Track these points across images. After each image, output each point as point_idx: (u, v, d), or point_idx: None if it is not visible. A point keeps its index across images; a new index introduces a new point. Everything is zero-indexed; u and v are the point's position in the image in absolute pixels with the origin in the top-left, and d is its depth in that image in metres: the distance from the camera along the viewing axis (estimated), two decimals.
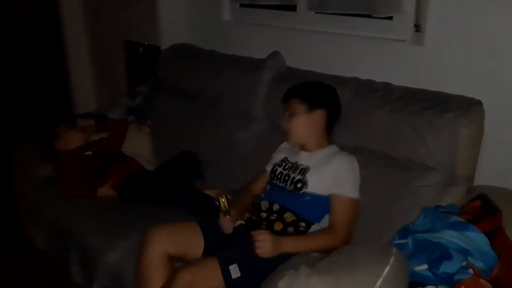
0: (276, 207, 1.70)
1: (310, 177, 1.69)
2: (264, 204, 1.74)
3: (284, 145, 1.93)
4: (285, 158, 1.84)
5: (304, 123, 1.75)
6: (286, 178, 1.75)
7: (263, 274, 1.45)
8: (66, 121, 2.51)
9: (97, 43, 3.63)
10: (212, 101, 2.38)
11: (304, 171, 1.72)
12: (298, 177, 1.71)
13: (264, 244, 1.48)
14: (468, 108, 1.60)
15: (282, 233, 1.64)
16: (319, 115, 1.75)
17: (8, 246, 2.62)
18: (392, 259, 1.14)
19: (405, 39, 1.90)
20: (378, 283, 1.09)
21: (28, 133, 2.65)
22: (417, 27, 1.83)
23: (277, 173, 1.80)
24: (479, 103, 1.64)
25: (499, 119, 1.69)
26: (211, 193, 2.08)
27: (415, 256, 1.34)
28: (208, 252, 1.63)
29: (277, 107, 2.11)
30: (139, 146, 2.56)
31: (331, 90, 1.83)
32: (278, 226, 1.67)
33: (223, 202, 1.70)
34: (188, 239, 1.66)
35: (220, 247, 1.61)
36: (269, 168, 1.90)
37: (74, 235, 2.00)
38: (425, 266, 1.29)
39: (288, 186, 1.73)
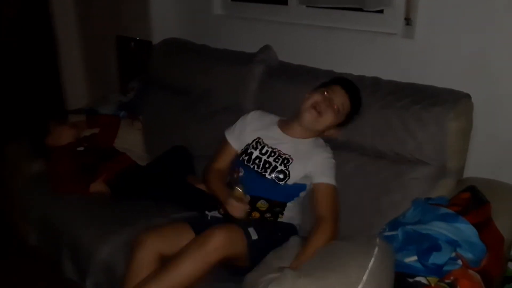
0: (247, 198, 1.65)
1: (292, 170, 1.67)
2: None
3: (253, 115, 1.86)
4: (259, 138, 1.76)
5: (335, 122, 1.71)
6: (267, 165, 1.69)
7: (273, 239, 1.58)
8: (57, 117, 2.50)
9: (89, 39, 3.60)
10: (204, 96, 2.38)
11: (287, 161, 1.68)
12: (281, 167, 1.67)
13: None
14: (456, 101, 1.61)
15: (261, 219, 1.67)
16: (337, 132, 1.77)
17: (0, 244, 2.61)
18: (376, 251, 1.15)
19: (395, 32, 1.90)
20: (365, 277, 1.10)
21: (19, 130, 2.64)
22: (408, 21, 1.84)
23: (253, 156, 1.73)
24: (467, 96, 1.65)
25: (489, 112, 1.71)
26: (203, 187, 2.08)
27: (404, 247, 1.36)
28: None
29: (268, 101, 2.12)
30: (131, 141, 2.55)
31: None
32: (256, 215, 1.68)
33: (239, 191, 1.65)
34: (180, 238, 1.62)
35: None
36: (234, 144, 1.83)
37: (65, 232, 2.00)
38: (415, 258, 1.30)
39: (268, 174, 1.68)
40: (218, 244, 1.42)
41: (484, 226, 1.38)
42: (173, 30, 2.82)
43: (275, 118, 1.87)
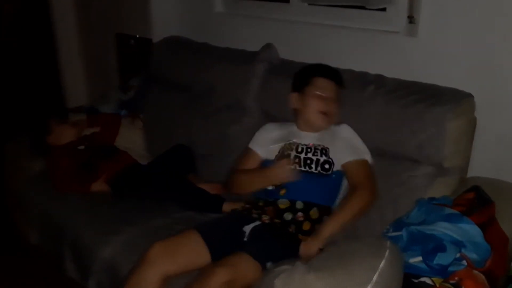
0: (299, 204, 1.64)
1: (333, 157, 1.69)
2: (283, 203, 1.66)
3: (272, 127, 1.87)
4: (289, 141, 1.76)
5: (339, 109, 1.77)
6: (308, 161, 1.69)
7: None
8: (58, 116, 2.49)
9: (88, 36, 3.59)
10: (205, 94, 2.37)
11: (325, 151, 1.70)
12: (324, 158, 1.69)
13: (312, 254, 1.47)
14: (457, 101, 1.61)
15: (310, 232, 1.61)
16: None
17: (1, 242, 2.60)
18: (387, 253, 1.15)
19: (398, 30, 1.90)
20: (375, 278, 1.09)
21: (19, 128, 2.62)
22: (411, 19, 1.83)
23: (291, 157, 1.71)
24: (469, 95, 1.64)
25: (494, 111, 1.70)
26: (205, 187, 2.07)
27: (409, 248, 1.35)
28: (216, 254, 1.55)
29: (271, 99, 2.11)
30: (132, 140, 2.54)
31: None
32: (307, 227, 1.63)
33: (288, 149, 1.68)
34: (191, 254, 1.56)
35: (228, 252, 1.52)
36: (260, 152, 1.82)
37: (67, 231, 1.99)
38: (419, 258, 1.30)
39: (314, 169, 1.68)
40: (220, 283, 1.33)
41: (489, 226, 1.38)
42: (173, 28, 2.81)
43: (289, 123, 1.87)
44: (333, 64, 1.98)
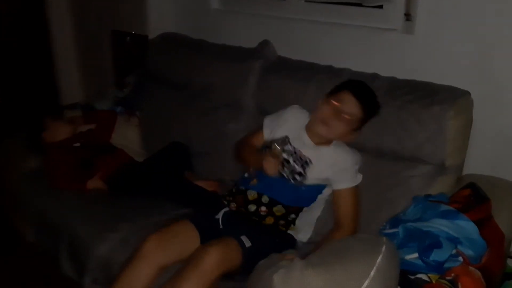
0: (265, 199, 1.68)
1: (310, 172, 1.66)
2: (252, 194, 1.70)
3: (292, 111, 1.81)
4: (287, 137, 1.73)
5: (347, 131, 1.66)
6: (285, 163, 1.67)
7: (268, 244, 1.56)
8: (53, 113, 2.48)
9: (84, 33, 3.56)
10: (202, 92, 2.36)
11: (306, 164, 1.67)
12: (299, 169, 1.66)
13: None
14: (455, 99, 1.61)
15: (274, 226, 1.67)
16: (355, 135, 1.71)
17: None
18: (383, 248, 1.15)
19: (395, 28, 1.90)
20: (372, 273, 1.10)
21: (14, 126, 2.61)
22: (408, 16, 1.83)
23: (280, 155, 1.70)
24: (467, 93, 1.64)
25: (489, 109, 1.70)
26: (201, 184, 2.07)
27: (405, 245, 1.35)
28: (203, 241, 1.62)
29: (268, 97, 2.11)
30: (128, 137, 2.53)
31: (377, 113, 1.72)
32: (270, 221, 1.68)
33: (277, 149, 1.66)
34: (184, 244, 1.60)
35: (214, 236, 1.60)
36: (267, 133, 1.82)
37: (63, 228, 1.98)
38: (416, 255, 1.30)
39: (285, 174, 1.67)
40: (213, 262, 1.41)
41: (485, 223, 1.38)
42: (169, 25, 2.79)
43: (307, 120, 1.79)
44: (330, 61, 2.01)
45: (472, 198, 1.44)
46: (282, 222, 1.68)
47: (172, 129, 2.42)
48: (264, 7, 2.42)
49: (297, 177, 1.66)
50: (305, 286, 1.13)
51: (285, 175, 1.67)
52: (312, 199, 1.72)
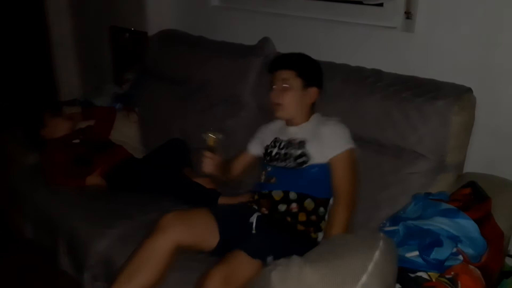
0: (293, 195, 1.65)
1: (310, 149, 1.67)
2: (277, 194, 1.67)
3: (268, 125, 1.89)
4: (276, 138, 1.79)
5: (298, 98, 1.71)
6: (286, 156, 1.70)
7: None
8: (52, 109, 2.47)
9: (83, 29, 3.56)
10: (201, 88, 2.36)
11: (301, 144, 1.69)
12: (298, 152, 1.67)
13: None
14: (459, 95, 1.61)
15: (307, 223, 1.63)
16: (312, 93, 1.74)
17: None
18: (381, 244, 1.15)
19: (395, 26, 1.90)
20: (370, 268, 1.10)
21: (13, 122, 2.59)
22: (408, 14, 1.83)
23: (273, 154, 1.75)
24: (469, 90, 1.64)
25: (489, 106, 1.70)
26: (200, 181, 2.07)
27: (406, 242, 1.36)
28: (224, 241, 1.59)
29: (267, 93, 2.09)
30: (127, 134, 2.53)
31: (320, 67, 1.81)
32: (302, 218, 1.64)
33: (212, 137, 1.68)
34: (203, 229, 1.58)
35: (237, 236, 1.57)
36: (254, 149, 1.88)
37: (61, 224, 1.98)
38: (416, 253, 1.30)
39: (291, 163, 1.68)
40: (217, 285, 1.33)
41: (485, 222, 1.39)
42: (169, 21, 2.79)
43: (279, 121, 1.86)
44: (330, 58, 1.99)
45: (472, 197, 1.45)
46: (313, 217, 1.64)
47: (171, 126, 2.41)
48: (263, 4, 2.41)
49: (300, 160, 1.66)
50: (304, 282, 1.13)
51: (292, 165, 1.67)
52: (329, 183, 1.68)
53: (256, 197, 1.73)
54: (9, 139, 2.50)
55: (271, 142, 1.80)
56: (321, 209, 1.66)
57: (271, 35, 2.26)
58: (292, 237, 1.60)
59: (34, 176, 2.25)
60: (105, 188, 2.15)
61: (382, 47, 1.96)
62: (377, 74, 1.84)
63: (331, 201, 1.68)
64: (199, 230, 1.57)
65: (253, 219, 1.65)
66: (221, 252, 1.51)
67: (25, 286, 2.22)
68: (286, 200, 1.66)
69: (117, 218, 1.87)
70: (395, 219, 1.48)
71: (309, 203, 1.65)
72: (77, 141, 2.32)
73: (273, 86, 1.74)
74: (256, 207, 1.71)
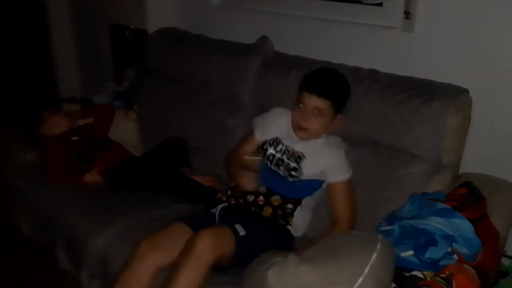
0: (263, 189, 1.70)
1: (304, 167, 1.68)
2: None
3: (279, 112, 1.82)
4: (277, 138, 1.77)
5: (325, 125, 1.69)
6: (280, 162, 1.71)
7: (263, 235, 1.59)
8: (51, 106, 2.47)
9: (82, 27, 3.55)
10: (200, 86, 2.36)
11: (299, 158, 1.69)
12: (293, 165, 1.68)
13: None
14: (455, 96, 1.61)
15: (272, 218, 1.68)
16: (339, 120, 1.72)
17: None
18: (378, 246, 1.16)
19: (395, 26, 1.90)
20: (366, 270, 1.10)
21: (12, 119, 2.60)
22: (407, 14, 1.83)
23: (267, 153, 1.75)
24: (466, 91, 1.65)
25: (487, 107, 1.71)
26: (199, 179, 2.07)
27: (401, 242, 1.36)
28: None
29: (266, 92, 2.11)
30: (126, 132, 2.53)
31: (350, 91, 1.74)
32: (267, 211, 1.69)
33: (255, 160, 1.72)
34: (179, 242, 1.55)
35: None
36: (258, 135, 1.83)
37: (59, 222, 1.98)
38: (411, 252, 1.31)
39: (281, 171, 1.70)
40: (206, 245, 1.42)
41: (480, 221, 1.39)
42: (168, 19, 2.78)
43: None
44: (329, 58, 2.00)
45: (469, 197, 1.45)
46: (279, 212, 1.68)
47: (170, 124, 2.41)
48: (263, 3, 2.41)
49: (293, 173, 1.68)
50: (299, 282, 1.13)
51: (281, 173, 1.70)
52: (310, 192, 1.72)
53: (233, 184, 1.78)
54: (8, 137, 2.50)
55: (270, 140, 1.78)
56: (289, 205, 1.69)
57: (271, 34, 2.26)
58: (254, 216, 1.69)
59: (32, 173, 2.25)
60: (104, 186, 2.15)
61: (381, 47, 1.97)
62: (374, 74, 1.85)
63: (303, 201, 1.71)
64: (175, 245, 1.55)
65: (216, 210, 1.73)
66: None
67: (23, 284, 2.22)
68: (256, 192, 1.71)
69: (115, 216, 1.87)
70: (391, 219, 1.48)
71: (276, 199, 1.69)
72: (75, 138, 2.32)
73: (301, 105, 1.66)
74: (224, 198, 1.77)
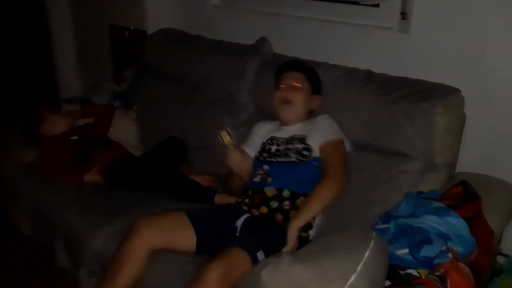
0: (286, 193, 1.66)
1: (311, 143, 1.72)
2: (270, 191, 1.67)
3: (260, 125, 1.94)
4: (273, 136, 1.83)
5: (306, 100, 1.81)
6: (287, 151, 1.73)
7: None
8: (51, 106, 2.48)
9: (83, 27, 3.55)
10: (199, 87, 2.37)
11: (303, 139, 1.74)
12: (302, 145, 1.72)
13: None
14: (445, 96, 1.62)
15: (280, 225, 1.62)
16: (316, 100, 1.84)
17: None
18: (371, 244, 1.17)
19: (391, 26, 1.91)
20: (359, 268, 1.11)
21: (12, 118, 2.61)
22: (404, 15, 1.84)
23: (273, 151, 1.77)
24: (457, 90, 1.66)
25: (483, 106, 1.71)
26: (197, 179, 2.08)
27: (396, 240, 1.37)
28: (202, 243, 1.60)
29: (264, 93, 2.12)
30: (125, 131, 2.54)
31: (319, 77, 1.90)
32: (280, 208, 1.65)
33: (225, 136, 1.71)
34: (176, 232, 1.60)
35: (216, 237, 1.60)
36: (250, 150, 1.89)
37: (59, 221, 1.99)
38: (406, 250, 1.32)
39: (294, 157, 1.70)
40: (217, 278, 1.33)
41: (475, 220, 1.40)
42: (168, 20, 2.80)
43: (275, 121, 1.92)
44: (326, 58, 2.01)
45: (464, 196, 1.46)
46: (287, 204, 1.65)
47: (169, 124, 2.43)
48: (262, 3, 2.42)
49: (305, 153, 1.70)
50: (293, 281, 1.14)
51: (294, 159, 1.70)
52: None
53: (250, 192, 1.72)
54: (8, 136, 2.51)
55: (268, 140, 1.82)
56: (301, 198, 1.67)
57: (269, 35, 2.27)
58: (281, 234, 1.56)
59: (32, 173, 2.26)
60: (103, 185, 2.16)
61: (377, 48, 1.97)
62: (368, 75, 1.86)
63: None
64: (171, 233, 1.59)
65: (239, 222, 1.65)
66: (204, 253, 1.57)
67: (23, 282, 2.23)
68: (279, 197, 1.66)
69: (114, 215, 1.88)
70: (387, 217, 1.49)
71: (301, 202, 1.65)
72: (75, 137, 2.33)
73: (281, 86, 1.82)
74: (245, 208, 1.70)
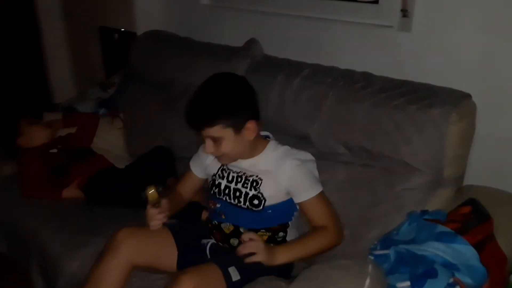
0: (244, 230, 1.50)
1: (265, 190, 1.48)
2: (227, 227, 1.53)
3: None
4: (223, 165, 1.57)
5: (237, 144, 1.44)
6: (237, 194, 1.51)
7: (260, 273, 1.42)
8: (31, 116, 2.37)
9: (74, 30, 3.49)
10: (185, 92, 2.24)
11: (256, 183, 1.49)
12: (252, 192, 1.49)
13: (256, 248, 1.38)
14: (457, 102, 1.47)
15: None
16: (250, 129, 1.44)
17: None
18: (368, 281, 1.03)
19: (391, 24, 1.81)
20: None
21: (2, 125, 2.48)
22: (404, 12, 1.74)
23: (222, 187, 1.55)
24: (468, 96, 1.51)
25: (492, 113, 1.58)
26: None
27: (396, 270, 1.23)
28: (183, 260, 1.53)
29: None
30: (110, 141, 2.44)
31: (247, 88, 1.48)
32: None
33: (151, 193, 1.49)
34: (159, 248, 1.52)
35: (197, 256, 1.52)
36: (197, 172, 1.67)
37: (34, 241, 1.88)
38: (408, 283, 1.18)
39: (242, 204, 1.51)
40: None
41: (485, 245, 1.26)
42: (158, 21, 2.71)
43: None
44: (323, 59, 1.92)
45: (472, 216, 1.31)
46: (272, 245, 1.49)
47: (155, 132, 2.33)
48: (254, 2, 2.31)
49: (255, 202, 1.48)
50: None
51: (243, 206, 1.50)
52: (289, 216, 1.54)
53: (210, 225, 1.60)
54: None
55: (218, 171, 1.57)
56: (280, 234, 1.53)
57: (262, 34, 2.18)
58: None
59: (8, 187, 2.16)
60: (83, 201, 2.05)
61: (377, 47, 1.87)
62: (367, 78, 1.71)
63: (289, 223, 1.54)
64: (155, 255, 1.50)
65: (208, 243, 1.58)
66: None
67: None
68: (237, 234, 1.51)
69: (90, 236, 1.77)
70: (386, 241, 1.35)
71: (262, 234, 1.50)
72: (55, 150, 2.22)
73: (204, 138, 1.46)
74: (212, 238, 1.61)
